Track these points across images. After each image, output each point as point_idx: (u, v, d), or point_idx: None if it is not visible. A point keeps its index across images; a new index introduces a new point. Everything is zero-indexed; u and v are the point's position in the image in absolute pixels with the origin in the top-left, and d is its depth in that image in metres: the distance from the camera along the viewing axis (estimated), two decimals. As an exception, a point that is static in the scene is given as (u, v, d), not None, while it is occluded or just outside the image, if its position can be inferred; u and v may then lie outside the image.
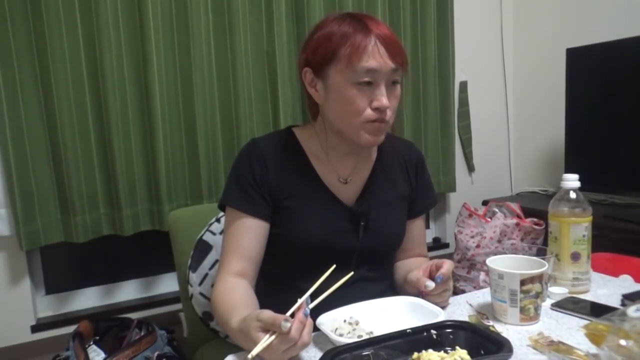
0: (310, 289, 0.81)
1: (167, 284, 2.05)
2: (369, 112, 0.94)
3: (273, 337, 0.72)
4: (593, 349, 0.73)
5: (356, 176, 1.07)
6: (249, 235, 1.00)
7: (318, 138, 1.06)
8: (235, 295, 0.94)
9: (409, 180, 1.13)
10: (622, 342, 0.65)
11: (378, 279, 1.10)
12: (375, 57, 0.91)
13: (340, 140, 1.03)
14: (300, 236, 1.01)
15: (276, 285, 1.08)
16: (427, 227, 2.75)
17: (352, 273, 0.90)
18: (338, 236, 1.02)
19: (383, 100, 0.93)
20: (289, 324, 0.71)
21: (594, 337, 0.74)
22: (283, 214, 1.02)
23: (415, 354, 0.72)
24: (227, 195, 1.05)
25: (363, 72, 0.92)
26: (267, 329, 0.74)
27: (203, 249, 1.32)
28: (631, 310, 0.72)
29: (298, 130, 1.09)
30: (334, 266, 0.89)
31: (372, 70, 0.92)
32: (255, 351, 0.72)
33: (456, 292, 2.32)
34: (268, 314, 0.74)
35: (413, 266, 1.06)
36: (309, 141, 1.07)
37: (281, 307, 0.77)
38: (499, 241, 2.10)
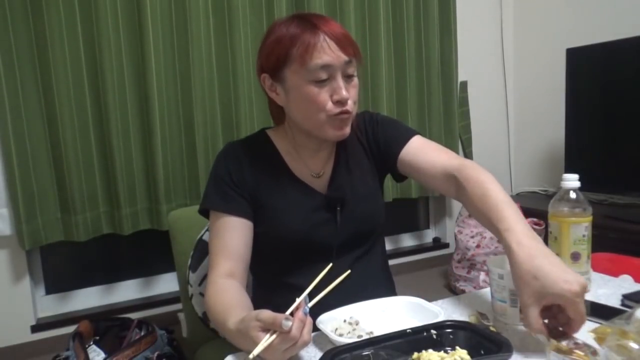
0: (307, 289, 0.81)
1: (167, 284, 2.05)
2: (330, 106, 0.96)
3: (273, 336, 0.72)
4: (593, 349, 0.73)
5: (327, 169, 1.09)
6: (233, 234, 1.01)
7: (288, 138, 1.08)
8: (228, 296, 0.94)
9: (370, 148, 1.13)
10: (622, 342, 0.65)
11: (368, 259, 1.10)
12: (327, 52, 0.93)
13: (308, 138, 1.05)
14: (282, 230, 1.02)
15: (269, 285, 1.09)
16: (427, 227, 2.75)
17: (349, 271, 0.91)
18: (318, 225, 1.03)
19: (342, 92, 0.95)
20: (289, 323, 0.71)
21: (603, 341, 0.73)
22: (264, 213, 1.03)
23: (415, 354, 0.72)
24: (207, 200, 1.06)
25: (317, 69, 0.93)
26: (267, 328, 0.73)
27: (203, 249, 1.32)
28: (639, 312, 0.71)
29: (271, 132, 1.12)
30: (331, 265, 0.91)
31: (326, 66, 0.93)
32: (256, 351, 0.71)
33: (456, 292, 2.33)
34: (268, 313, 0.74)
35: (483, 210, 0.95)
36: (281, 141, 1.09)
37: (278, 308, 0.77)
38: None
